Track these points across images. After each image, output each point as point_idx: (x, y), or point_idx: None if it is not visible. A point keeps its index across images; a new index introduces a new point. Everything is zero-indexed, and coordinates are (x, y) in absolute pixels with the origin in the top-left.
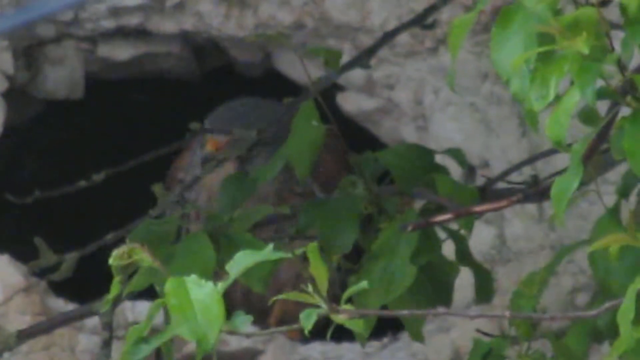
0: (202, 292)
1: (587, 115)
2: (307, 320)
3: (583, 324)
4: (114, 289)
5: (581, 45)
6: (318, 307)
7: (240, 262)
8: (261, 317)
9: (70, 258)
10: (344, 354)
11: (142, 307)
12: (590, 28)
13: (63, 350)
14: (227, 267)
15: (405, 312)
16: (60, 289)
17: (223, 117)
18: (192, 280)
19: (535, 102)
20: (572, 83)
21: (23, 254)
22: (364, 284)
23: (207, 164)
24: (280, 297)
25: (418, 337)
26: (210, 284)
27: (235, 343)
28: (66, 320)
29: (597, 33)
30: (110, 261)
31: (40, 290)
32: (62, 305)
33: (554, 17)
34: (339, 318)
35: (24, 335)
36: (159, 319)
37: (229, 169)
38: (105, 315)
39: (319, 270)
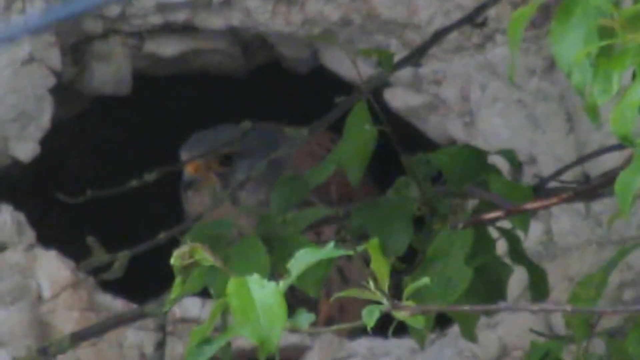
0: (264, 293)
1: None
2: (370, 317)
3: None
4: (176, 290)
5: None
6: (379, 303)
7: (301, 260)
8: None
9: (122, 257)
10: (391, 350)
11: (190, 303)
12: None
13: (111, 346)
14: (289, 265)
15: (466, 307)
16: (107, 284)
17: (198, 143)
18: (254, 281)
19: (598, 96)
20: (633, 76)
21: (70, 249)
22: (425, 280)
23: (190, 188)
24: (342, 294)
25: (470, 336)
26: (272, 283)
27: (282, 339)
28: (119, 322)
29: None
30: (172, 261)
31: (88, 286)
32: (109, 301)
33: (615, 10)
34: (401, 314)
35: (77, 338)
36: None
37: (212, 186)
38: (158, 316)
39: (380, 267)
